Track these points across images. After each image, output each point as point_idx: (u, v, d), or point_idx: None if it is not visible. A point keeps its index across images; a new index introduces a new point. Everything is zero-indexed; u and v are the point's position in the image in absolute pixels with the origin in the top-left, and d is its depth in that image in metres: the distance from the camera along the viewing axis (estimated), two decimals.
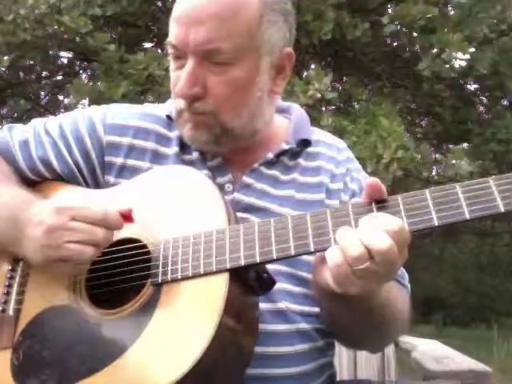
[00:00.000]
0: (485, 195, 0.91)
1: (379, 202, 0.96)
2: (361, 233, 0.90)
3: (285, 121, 1.34)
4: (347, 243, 0.90)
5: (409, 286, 1.29)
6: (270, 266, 1.07)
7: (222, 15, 1.14)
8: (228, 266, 1.00)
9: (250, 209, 1.20)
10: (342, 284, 0.93)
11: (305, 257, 1.18)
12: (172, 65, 1.20)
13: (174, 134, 1.28)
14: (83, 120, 1.28)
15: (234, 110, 1.19)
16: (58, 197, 1.22)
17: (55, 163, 1.26)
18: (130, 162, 1.24)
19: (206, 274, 1.01)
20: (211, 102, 1.17)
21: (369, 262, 0.89)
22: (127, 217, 1.07)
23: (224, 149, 1.23)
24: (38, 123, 1.32)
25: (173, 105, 1.23)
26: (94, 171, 1.26)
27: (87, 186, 1.26)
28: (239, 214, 1.15)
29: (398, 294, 1.18)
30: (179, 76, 1.17)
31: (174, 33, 1.16)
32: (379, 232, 0.89)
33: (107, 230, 1.05)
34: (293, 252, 0.99)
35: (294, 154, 1.28)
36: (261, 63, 1.19)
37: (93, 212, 1.04)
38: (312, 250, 0.97)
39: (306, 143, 1.30)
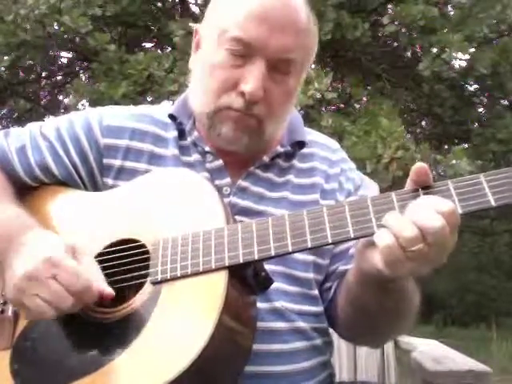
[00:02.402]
0: (476, 191, 0.92)
1: (426, 188, 0.96)
2: (412, 214, 0.91)
3: None
4: (400, 226, 0.90)
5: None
6: (265, 266, 1.08)
7: (301, 28, 1.17)
8: (227, 264, 1.01)
9: (246, 212, 1.21)
10: (392, 266, 0.93)
11: (300, 256, 1.19)
12: (226, 60, 1.16)
13: (170, 135, 1.27)
14: (80, 122, 1.27)
15: (278, 119, 1.22)
16: (65, 233, 1.16)
17: (53, 166, 1.25)
18: (128, 163, 1.24)
19: (204, 272, 1.02)
20: (266, 108, 1.17)
21: (422, 243, 0.89)
22: (103, 297, 1.04)
23: (245, 154, 1.23)
24: (33, 127, 1.31)
25: (204, 100, 1.20)
26: (92, 173, 1.25)
27: (85, 188, 1.26)
28: (236, 218, 1.15)
29: (416, 289, 1.18)
30: (237, 74, 1.15)
31: (251, 30, 1.14)
32: (431, 213, 0.90)
33: (77, 302, 1.01)
34: (290, 249, 1.00)
35: (288, 155, 1.29)
36: (302, 75, 1.24)
37: (75, 281, 1.00)
38: (309, 246, 0.99)
39: (300, 145, 1.30)
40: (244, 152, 1.22)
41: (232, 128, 1.18)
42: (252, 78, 1.14)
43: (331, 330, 1.31)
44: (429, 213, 0.90)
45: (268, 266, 1.10)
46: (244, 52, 1.15)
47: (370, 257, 0.98)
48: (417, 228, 0.89)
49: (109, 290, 1.04)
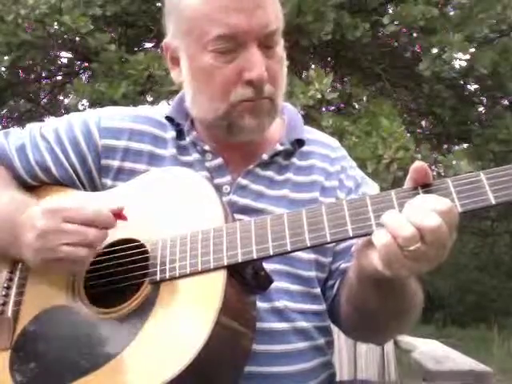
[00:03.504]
0: (476, 188, 0.92)
1: (425, 187, 0.96)
2: (409, 213, 0.90)
3: (279, 121, 1.33)
4: (397, 224, 0.90)
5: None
6: (266, 265, 1.07)
7: None
8: (225, 263, 1.01)
9: (245, 210, 1.21)
10: (391, 266, 0.93)
11: (302, 254, 1.19)
12: (216, 60, 1.15)
13: (169, 136, 1.27)
14: (78, 124, 1.28)
15: (282, 88, 1.22)
16: (49, 199, 1.19)
17: (53, 168, 1.26)
18: (127, 164, 1.24)
19: (203, 272, 1.01)
20: (272, 85, 1.17)
21: (419, 242, 0.89)
22: (119, 215, 1.06)
23: (256, 140, 1.23)
24: (33, 128, 1.31)
25: (213, 105, 1.18)
26: (90, 175, 1.26)
27: (85, 189, 1.26)
28: (235, 216, 1.15)
29: (418, 287, 1.18)
30: (235, 67, 1.14)
31: (231, 22, 1.12)
32: (428, 212, 0.89)
33: (99, 230, 1.04)
34: (289, 248, 0.99)
35: (287, 153, 1.29)
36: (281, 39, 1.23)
37: (83, 213, 1.04)
38: (308, 245, 0.99)
39: (299, 143, 1.30)
40: (259, 136, 1.23)
41: (253, 117, 1.18)
42: (253, 64, 1.13)
43: (332, 329, 1.31)
44: (426, 212, 0.89)
45: (270, 265, 1.10)
46: (232, 45, 1.14)
47: (369, 256, 0.98)
48: (414, 227, 0.89)
49: (118, 207, 1.06)
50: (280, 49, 1.20)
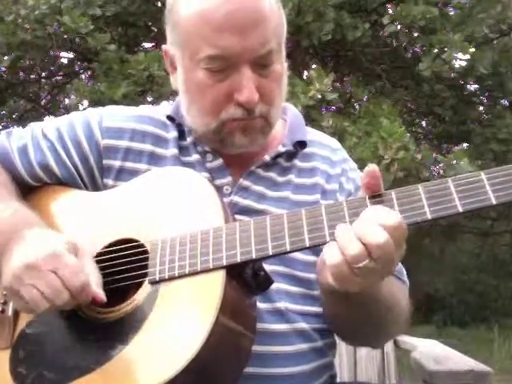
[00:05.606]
0: (477, 188, 0.92)
1: (374, 197, 0.96)
2: (357, 229, 0.91)
3: (281, 122, 1.33)
4: (345, 242, 0.90)
5: (407, 281, 1.29)
6: (267, 267, 1.07)
7: (267, 14, 1.13)
8: (224, 263, 1.01)
9: (247, 211, 1.20)
10: (341, 283, 0.93)
11: (302, 256, 1.19)
12: (208, 79, 1.13)
13: (171, 136, 1.27)
14: (80, 123, 1.27)
15: (278, 105, 1.21)
16: (66, 233, 1.16)
17: (55, 167, 1.25)
18: (128, 164, 1.24)
19: (202, 272, 1.01)
20: (265, 104, 1.16)
21: (367, 259, 0.89)
22: (96, 301, 1.04)
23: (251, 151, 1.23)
24: (35, 127, 1.31)
25: (203, 120, 1.18)
26: (92, 175, 1.25)
27: (86, 189, 1.26)
28: (237, 217, 1.15)
29: (398, 289, 1.19)
30: (226, 87, 1.13)
31: (223, 43, 1.10)
32: (374, 227, 0.89)
33: (72, 299, 1.01)
34: (288, 248, 0.99)
35: (289, 155, 1.29)
36: (283, 52, 1.21)
37: (73, 279, 1.00)
38: (307, 245, 0.98)
39: (301, 144, 1.30)
40: (259, 149, 1.23)
41: (243, 135, 1.18)
42: (243, 86, 1.12)
43: None
44: (373, 227, 0.89)
45: (269, 267, 1.10)
46: (223, 65, 1.12)
47: (324, 271, 0.98)
48: (361, 244, 0.89)
49: (101, 296, 1.04)
50: (279, 66, 1.18)
